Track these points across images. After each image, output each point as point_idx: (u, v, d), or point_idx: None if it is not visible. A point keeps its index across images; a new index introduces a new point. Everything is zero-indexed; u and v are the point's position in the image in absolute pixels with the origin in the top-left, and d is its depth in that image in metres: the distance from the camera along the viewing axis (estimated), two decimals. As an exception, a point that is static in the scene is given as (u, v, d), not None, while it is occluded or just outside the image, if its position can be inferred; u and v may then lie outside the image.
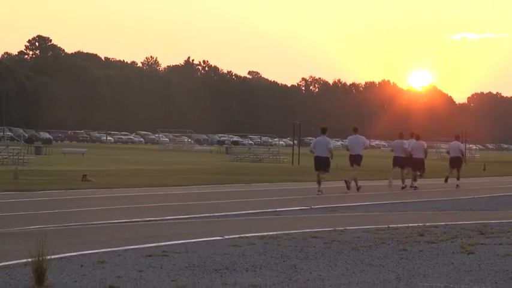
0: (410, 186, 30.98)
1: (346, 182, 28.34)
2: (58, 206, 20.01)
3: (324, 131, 27.98)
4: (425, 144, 33.51)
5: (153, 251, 12.17)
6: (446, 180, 33.67)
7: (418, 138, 32.68)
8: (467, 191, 30.91)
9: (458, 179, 33.32)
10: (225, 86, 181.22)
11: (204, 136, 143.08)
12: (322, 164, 27.23)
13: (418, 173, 31.86)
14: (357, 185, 28.35)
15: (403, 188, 30.61)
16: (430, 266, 11.39)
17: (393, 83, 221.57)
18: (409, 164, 31.53)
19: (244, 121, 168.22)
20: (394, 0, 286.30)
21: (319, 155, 27.35)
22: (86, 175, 30.92)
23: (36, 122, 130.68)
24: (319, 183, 26.80)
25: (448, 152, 35.71)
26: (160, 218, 17.79)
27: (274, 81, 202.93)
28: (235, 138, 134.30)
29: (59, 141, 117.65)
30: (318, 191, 26.43)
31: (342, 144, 28.67)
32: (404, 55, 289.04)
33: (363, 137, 30.51)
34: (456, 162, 33.74)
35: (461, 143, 34.23)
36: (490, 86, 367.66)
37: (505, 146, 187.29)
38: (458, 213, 20.64)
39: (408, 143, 32.10)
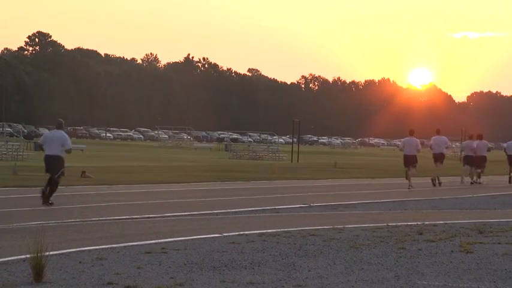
0: (476, 182, 34.42)
1: (432, 180, 31.92)
2: (57, 202, 19.99)
3: (411, 133, 31.33)
4: (488, 143, 37.49)
5: (152, 247, 12.17)
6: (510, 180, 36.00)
7: (481, 138, 35.99)
8: (467, 189, 30.95)
9: (510, 173, 35.98)
10: (225, 84, 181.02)
11: (204, 133, 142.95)
12: (410, 161, 30.39)
13: (479, 170, 34.67)
14: (439, 180, 31.85)
15: (471, 183, 34.14)
16: (428, 264, 11.39)
17: (393, 81, 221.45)
18: (476, 162, 34.52)
19: (243, 118, 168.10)
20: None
21: (408, 154, 30.62)
22: (85, 171, 30.88)
23: (35, 118, 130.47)
24: (408, 179, 30.01)
25: (505, 151, 37.79)
26: (159, 215, 17.78)
27: (273, 78, 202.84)
28: (235, 136, 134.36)
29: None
30: (409, 185, 29.56)
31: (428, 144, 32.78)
32: (404, 53, 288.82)
33: (445, 138, 34.09)
34: None
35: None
36: (489, 85, 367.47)
37: (505, 145, 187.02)
38: (457, 212, 20.64)
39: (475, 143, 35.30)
